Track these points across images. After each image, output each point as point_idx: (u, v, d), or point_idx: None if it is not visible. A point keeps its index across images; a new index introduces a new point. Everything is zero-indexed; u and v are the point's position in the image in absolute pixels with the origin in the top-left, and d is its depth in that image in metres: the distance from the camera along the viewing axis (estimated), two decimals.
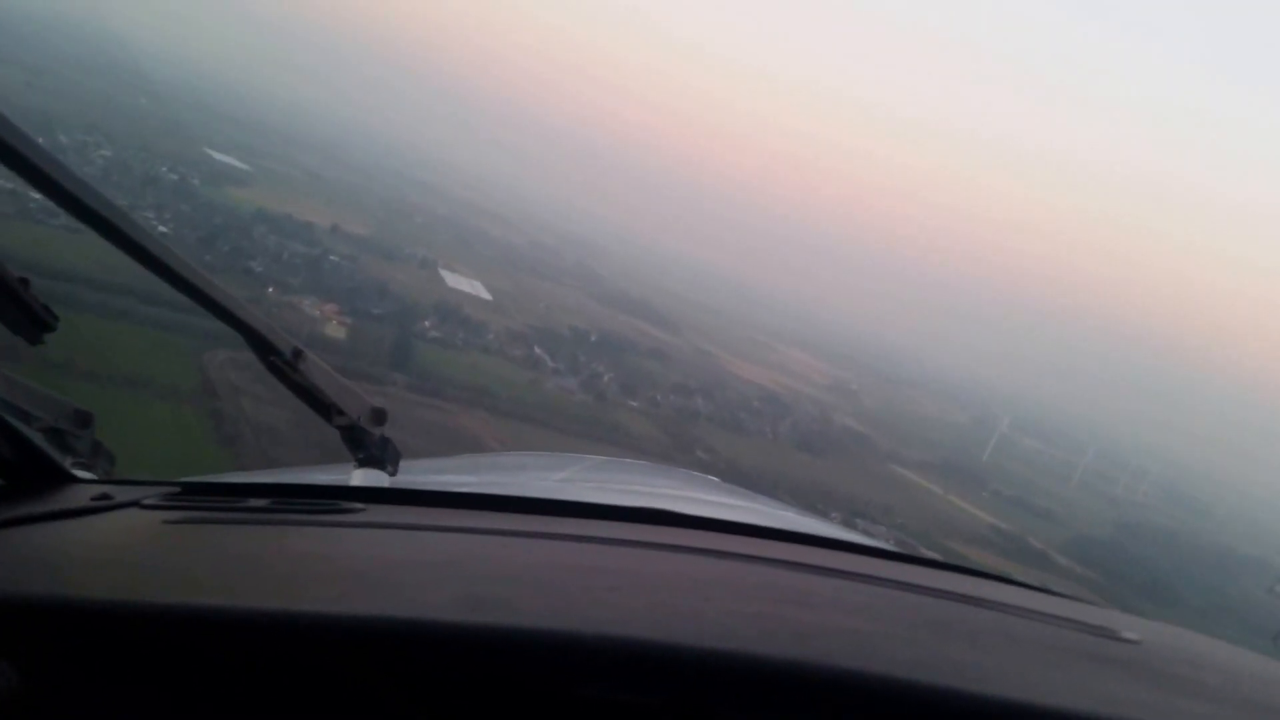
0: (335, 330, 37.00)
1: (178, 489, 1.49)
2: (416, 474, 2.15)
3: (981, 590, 1.45)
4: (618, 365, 56.26)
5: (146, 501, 1.40)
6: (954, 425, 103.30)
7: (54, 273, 29.29)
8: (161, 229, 42.92)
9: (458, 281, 63.95)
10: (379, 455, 1.73)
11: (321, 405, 1.62)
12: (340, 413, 1.63)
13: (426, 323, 45.63)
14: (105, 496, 1.39)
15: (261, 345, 1.51)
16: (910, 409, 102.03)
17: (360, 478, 1.72)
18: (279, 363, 1.52)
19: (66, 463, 1.51)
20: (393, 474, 1.77)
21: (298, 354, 1.53)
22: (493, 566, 1.22)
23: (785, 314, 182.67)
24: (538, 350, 51.35)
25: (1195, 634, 1.49)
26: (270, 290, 38.07)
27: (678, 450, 41.90)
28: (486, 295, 63.63)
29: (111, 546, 1.23)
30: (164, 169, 56.04)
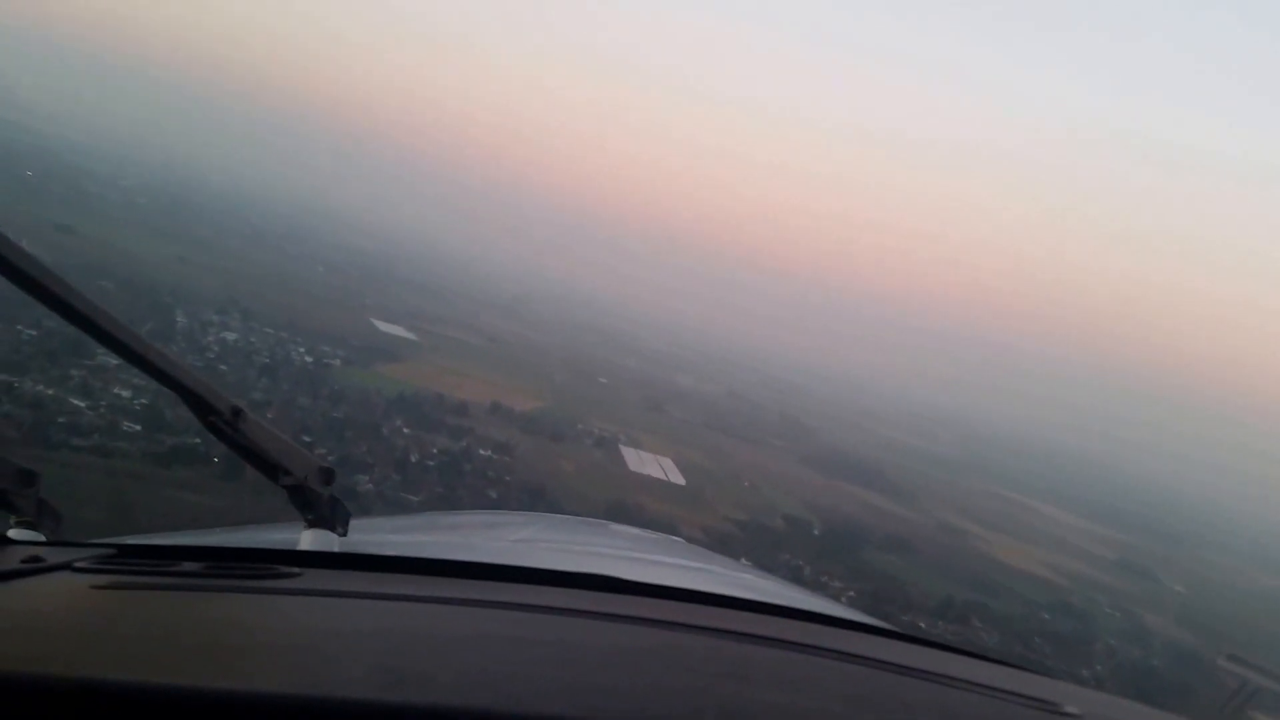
0: None
1: (113, 551, 1.44)
2: (369, 534, 2.06)
3: (927, 660, 1.40)
4: (854, 570, 42.17)
5: (79, 564, 1.34)
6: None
7: None
8: None
9: (642, 462, 52.02)
10: (327, 516, 1.65)
11: (266, 465, 1.55)
12: (286, 472, 1.56)
13: None
14: (36, 559, 1.32)
15: (199, 405, 1.44)
16: (1217, 580, 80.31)
17: (309, 539, 1.63)
18: (219, 423, 1.46)
19: (10, 521, 1.47)
20: (342, 534, 1.67)
21: (237, 413, 1.46)
22: (423, 637, 1.17)
23: (1007, 443, 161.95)
24: (745, 563, 37.69)
25: (1138, 706, 1.49)
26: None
27: None
28: (678, 478, 51.21)
29: (33, 612, 1.16)
30: (300, 349, 48.21)
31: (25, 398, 25.45)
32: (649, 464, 52.13)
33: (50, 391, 27.14)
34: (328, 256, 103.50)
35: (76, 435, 24.80)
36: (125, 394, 28.96)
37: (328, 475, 1.62)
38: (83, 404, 27.40)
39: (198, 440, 27.18)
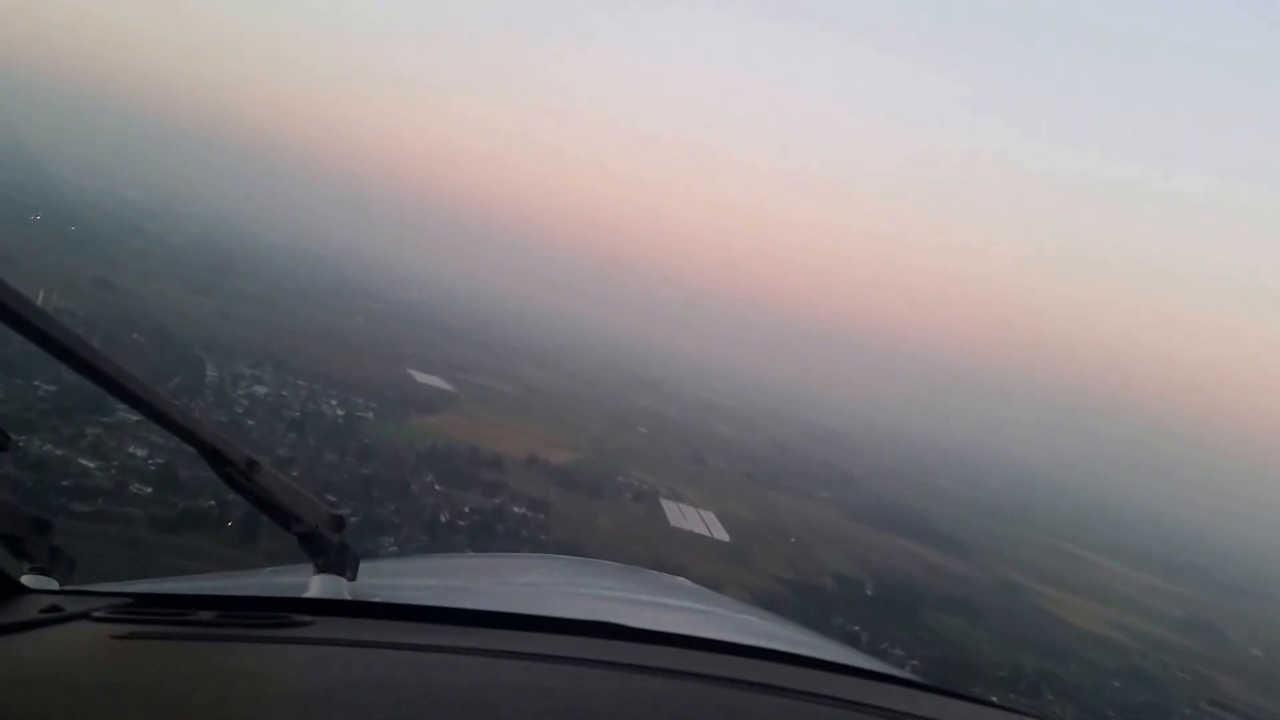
0: None
1: (129, 600, 1.49)
2: (378, 578, 2.10)
3: (927, 707, 1.41)
4: (914, 636, 39.68)
5: (96, 614, 1.37)
6: None
7: None
8: None
9: (684, 517, 49.89)
10: (338, 561, 1.68)
11: (279, 514, 1.58)
12: (299, 520, 1.59)
13: None
14: (55, 608, 1.36)
15: (215, 458, 1.48)
16: None
17: (319, 584, 1.67)
18: (234, 474, 1.50)
19: (24, 568, 1.50)
20: (352, 579, 1.70)
21: (252, 464, 1.50)
22: (433, 688, 1.20)
23: (1052, 488, 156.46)
24: (789, 619, 35.25)
25: None
26: None
27: None
28: (722, 534, 48.98)
29: (56, 663, 1.19)
30: (333, 402, 47.08)
31: (30, 458, 24.16)
32: (691, 519, 50.02)
33: (59, 451, 25.95)
34: (370, 307, 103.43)
35: (79, 499, 23.30)
36: (140, 453, 27.73)
37: (338, 522, 1.64)
38: (92, 464, 26.15)
39: (211, 503, 25.82)
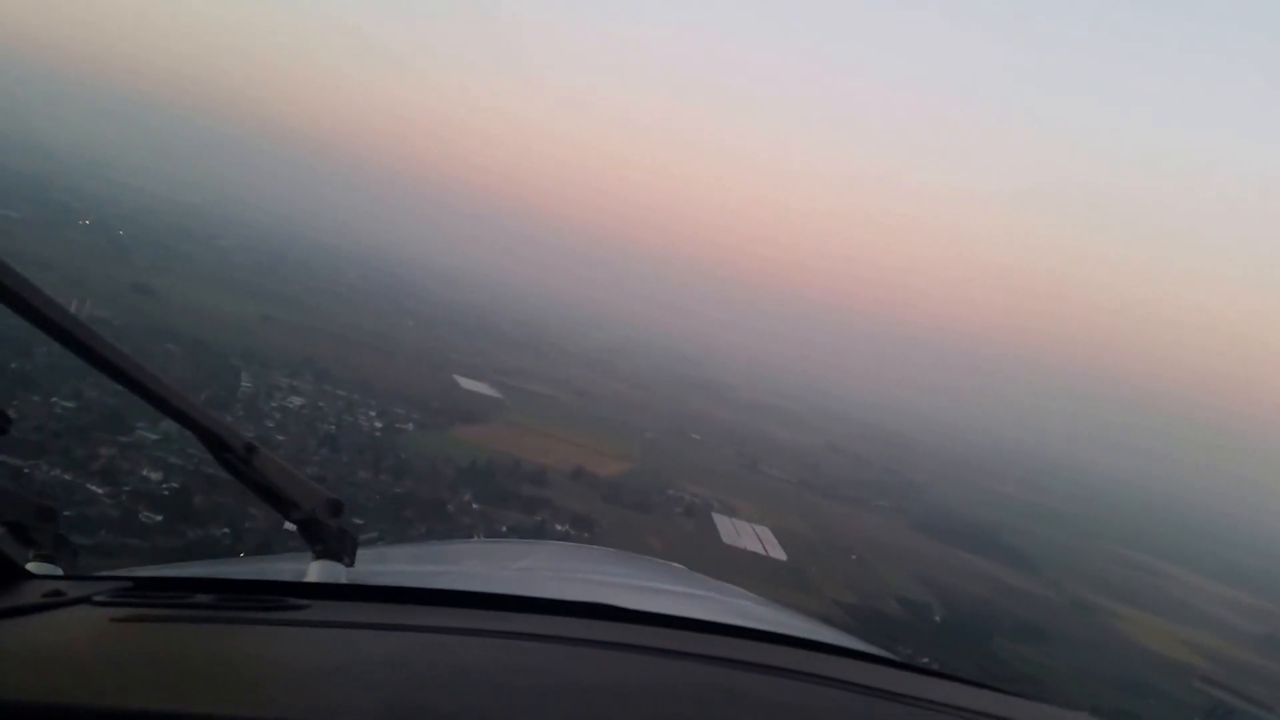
0: None
1: (129, 584, 1.51)
2: (376, 564, 2.13)
3: (917, 687, 1.44)
4: (987, 668, 36.59)
5: (97, 598, 1.41)
6: None
7: None
8: None
9: (738, 533, 47.35)
10: (335, 547, 1.68)
11: (278, 500, 1.59)
12: (297, 506, 1.60)
13: None
14: (57, 593, 1.39)
15: (214, 443, 1.48)
16: None
17: (317, 570, 1.67)
18: (233, 460, 1.50)
19: (29, 556, 1.52)
20: (350, 564, 1.71)
21: (251, 449, 1.50)
22: (428, 667, 1.22)
23: (1115, 492, 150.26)
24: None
25: None
26: None
27: None
28: (778, 552, 46.35)
29: (57, 645, 1.23)
30: (371, 414, 45.43)
31: (34, 486, 22.48)
32: (745, 535, 47.46)
33: (67, 477, 24.25)
34: (419, 310, 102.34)
35: (79, 532, 21.38)
36: (154, 476, 26.04)
37: (336, 507, 1.64)
38: (101, 490, 24.43)
39: (225, 530, 24.04)
